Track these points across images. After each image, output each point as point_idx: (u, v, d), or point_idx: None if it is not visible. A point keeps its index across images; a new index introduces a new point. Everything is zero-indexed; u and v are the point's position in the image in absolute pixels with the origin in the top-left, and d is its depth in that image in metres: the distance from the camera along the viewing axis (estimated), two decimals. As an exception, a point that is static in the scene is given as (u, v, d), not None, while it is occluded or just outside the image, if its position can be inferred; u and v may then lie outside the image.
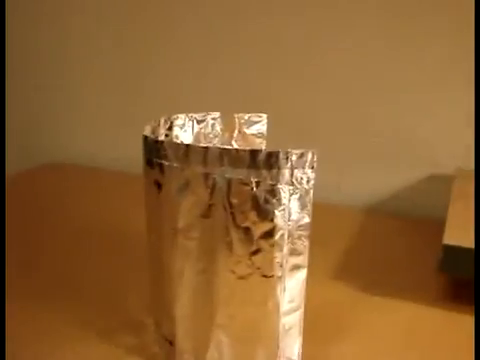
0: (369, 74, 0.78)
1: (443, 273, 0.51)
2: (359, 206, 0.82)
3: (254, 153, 0.34)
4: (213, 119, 0.49)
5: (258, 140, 0.49)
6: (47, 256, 0.61)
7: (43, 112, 1.07)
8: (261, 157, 0.34)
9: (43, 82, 1.05)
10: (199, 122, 0.48)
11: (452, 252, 0.49)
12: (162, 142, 0.37)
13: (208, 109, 0.49)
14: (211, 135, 0.49)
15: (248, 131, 0.49)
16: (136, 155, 0.69)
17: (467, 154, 0.74)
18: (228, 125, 0.49)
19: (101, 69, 0.98)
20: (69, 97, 1.03)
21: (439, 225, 0.57)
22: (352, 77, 0.79)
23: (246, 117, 0.49)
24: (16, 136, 1.10)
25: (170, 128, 0.46)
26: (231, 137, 0.49)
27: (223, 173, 0.35)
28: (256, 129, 0.49)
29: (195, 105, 0.53)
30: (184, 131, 0.47)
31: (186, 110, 0.48)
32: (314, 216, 0.37)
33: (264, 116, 0.49)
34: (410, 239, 0.68)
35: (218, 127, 0.49)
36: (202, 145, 0.36)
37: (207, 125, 0.48)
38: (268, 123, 0.50)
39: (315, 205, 0.37)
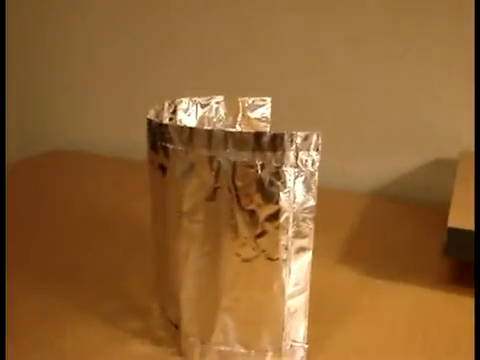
0: (372, 58, 0.78)
1: (448, 256, 0.51)
2: (363, 191, 0.82)
3: (259, 135, 0.34)
4: (217, 103, 0.48)
5: (262, 124, 0.49)
6: (49, 242, 0.61)
7: (44, 99, 1.06)
8: (266, 139, 0.34)
9: (44, 68, 1.04)
10: (203, 106, 0.48)
11: (457, 235, 0.49)
12: (166, 125, 0.37)
13: (211, 93, 0.49)
14: (215, 119, 0.48)
15: (252, 115, 0.49)
16: (139, 141, 0.69)
17: (471, 138, 0.74)
18: (232, 109, 0.49)
19: (103, 55, 0.98)
20: (70, 83, 1.03)
21: (443, 209, 0.56)
22: (355, 62, 0.79)
23: (250, 101, 0.49)
24: (17, 123, 1.10)
25: (174, 112, 0.46)
26: (235, 121, 0.49)
27: (228, 156, 0.35)
28: (260, 113, 0.49)
29: (198, 90, 0.53)
30: (188, 115, 0.47)
31: (189, 95, 0.48)
32: (318, 201, 0.37)
33: (268, 100, 0.49)
34: (414, 223, 0.68)
35: (222, 111, 0.49)
36: (206, 128, 0.36)
37: (211, 109, 0.48)
38: (272, 107, 0.50)
39: (319, 190, 0.36)
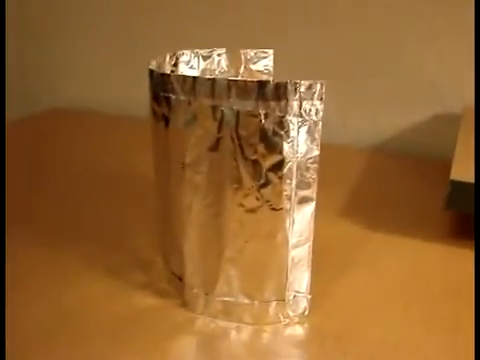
0: (375, 13, 0.77)
1: (449, 209, 0.51)
2: (365, 146, 0.81)
3: (262, 84, 0.34)
4: (219, 55, 0.48)
5: (265, 76, 0.49)
6: (51, 198, 0.62)
7: (42, 57, 1.05)
8: (269, 88, 0.34)
9: (41, 26, 1.03)
10: (205, 58, 0.47)
11: (459, 187, 0.49)
12: (169, 75, 0.36)
13: (213, 46, 0.48)
14: (217, 72, 0.48)
15: (254, 67, 0.48)
16: (140, 98, 0.68)
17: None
18: (234, 61, 0.48)
19: (101, 10, 0.97)
20: (68, 40, 1.02)
21: (446, 164, 0.56)
22: (358, 16, 0.78)
23: (252, 53, 0.48)
24: (17, 81, 1.09)
25: (175, 64, 0.45)
26: (237, 73, 0.48)
27: (231, 105, 0.34)
28: (263, 65, 0.49)
29: (200, 43, 0.52)
30: (190, 67, 0.46)
31: (191, 48, 0.47)
32: (320, 156, 0.37)
33: (270, 52, 0.49)
34: (416, 178, 0.68)
35: (224, 63, 0.48)
36: (209, 77, 0.35)
37: (213, 61, 0.48)
38: (274, 60, 0.49)
39: (321, 145, 0.36)
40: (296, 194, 0.37)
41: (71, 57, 1.03)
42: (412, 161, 0.74)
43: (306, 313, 0.41)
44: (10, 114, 1.05)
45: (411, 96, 0.78)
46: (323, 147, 0.37)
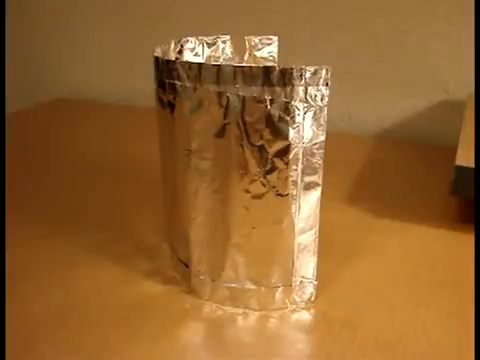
0: None
1: (454, 195, 0.51)
2: (369, 134, 0.81)
3: (268, 70, 0.34)
4: (223, 42, 0.48)
5: (269, 63, 0.49)
6: (55, 187, 0.62)
7: (47, 47, 1.05)
8: (275, 74, 0.34)
9: (44, 16, 1.03)
10: (209, 45, 0.47)
11: (464, 173, 0.49)
12: (174, 62, 0.36)
13: (216, 32, 0.48)
14: (221, 59, 0.48)
15: (259, 54, 0.48)
16: (143, 87, 0.68)
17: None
18: (239, 48, 0.48)
19: (105, 1, 0.96)
20: (73, 31, 1.01)
21: (450, 152, 0.56)
22: (361, 2, 0.78)
23: (257, 40, 0.48)
24: (21, 72, 1.09)
25: (180, 52, 0.45)
26: (242, 60, 0.48)
27: (237, 91, 0.34)
28: (267, 52, 0.49)
29: (203, 30, 0.52)
30: (195, 55, 0.46)
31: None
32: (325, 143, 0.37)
33: (275, 39, 0.49)
34: (421, 165, 0.68)
35: (229, 50, 0.48)
36: (215, 63, 0.35)
37: (217, 48, 0.48)
38: (278, 46, 0.49)
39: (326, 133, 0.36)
40: (302, 180, 0.37)
41: (76, 47, 1.03)
42: (416, 148, 0.74)
43: (312, 299, 0.41)
44: (14, 104, 1.05)
45: (415, 83, 0.78)
46: (328, 135, 0.37)
